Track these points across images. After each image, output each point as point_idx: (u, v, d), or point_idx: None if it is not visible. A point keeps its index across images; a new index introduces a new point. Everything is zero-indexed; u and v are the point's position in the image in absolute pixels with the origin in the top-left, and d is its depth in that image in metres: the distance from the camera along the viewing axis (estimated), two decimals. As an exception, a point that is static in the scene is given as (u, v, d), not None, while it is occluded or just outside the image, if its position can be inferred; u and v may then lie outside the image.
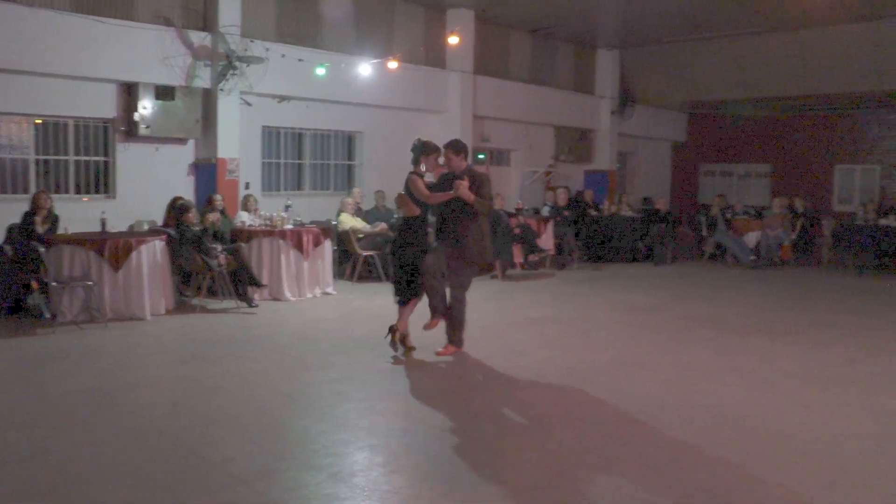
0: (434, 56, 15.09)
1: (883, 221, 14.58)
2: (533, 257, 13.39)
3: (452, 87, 15.34)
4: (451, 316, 7.25)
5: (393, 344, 7.32)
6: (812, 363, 7.31)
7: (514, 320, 9.04)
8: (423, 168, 7.26)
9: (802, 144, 22.33)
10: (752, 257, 14.80)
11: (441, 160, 7.26)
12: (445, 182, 7.13)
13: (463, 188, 6.86)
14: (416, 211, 7.14)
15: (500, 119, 16.75)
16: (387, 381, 6.48)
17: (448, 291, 7.26)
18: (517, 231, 12.80)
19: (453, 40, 13.47)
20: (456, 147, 7.15)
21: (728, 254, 15.34)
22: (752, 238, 15.14)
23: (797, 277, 13.60)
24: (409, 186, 7.12)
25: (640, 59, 19.87)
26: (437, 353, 7.26)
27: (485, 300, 10.37)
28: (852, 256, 14.62)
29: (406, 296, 7.25)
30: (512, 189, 17.40)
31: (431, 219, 7.37)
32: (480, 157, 16.92)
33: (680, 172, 24.35)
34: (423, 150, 7.21)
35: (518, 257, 12.89)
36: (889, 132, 21.06)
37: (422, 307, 7.28)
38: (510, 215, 13.15)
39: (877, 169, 21.26)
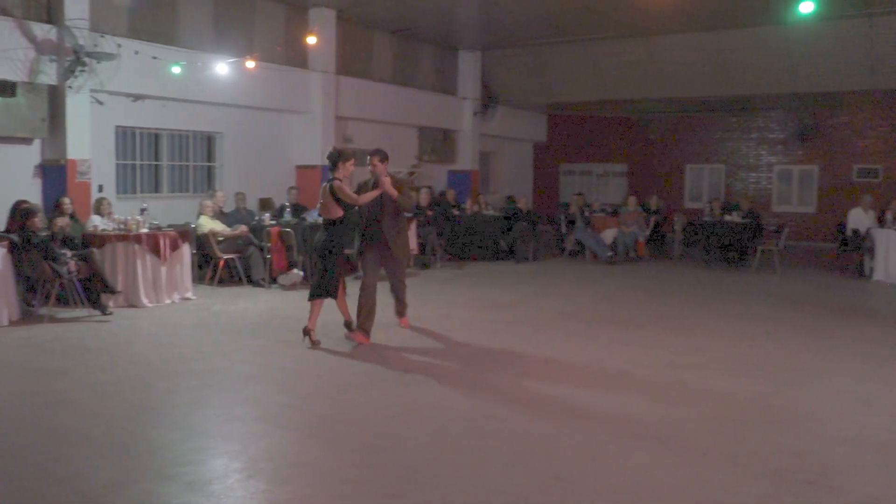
0: (296, 56, 14.93)
1: (727, 218, 15.46)
2: (397, 257, 13.42)
3: (314, 88, 15.21)
4: (398, 299, 8.48)
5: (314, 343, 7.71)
6: (662, 352, 7.70)
7: (375, 320, 9.04)
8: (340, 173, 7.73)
9: (656, 145, 23.44)
10: (610, 253, 15.38)
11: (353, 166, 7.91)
12: (369, 186, 7.92)
13: (388, 183, 7.69)
14: (339, 213, 7.63)
15: (363, 120, 16.73)
16: (246, 387, 6.37)
17: (391, 283, 8.39)
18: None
19: (311, 40, 13.38)
20: (381, 155, 7.97)
21: (587, 250, 15.88)
22: (609, 235, 15.74)
23: (651, 272, 14.25)
24: (335, 192, 7.55)
25: (501, 60, 20.30)
26: (402, 325, 8.53)
27: (350, 298, 10.33)
28: (701, 251, 15.44)
29: (323, 293, 7.68)
30: (376, 189, 17.39)
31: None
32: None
33: (541, 172, 25.05)
34: (339, 157, 7.75)
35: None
36: (732, 134, 22.41)
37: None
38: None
39: (722, 168, 22.56)
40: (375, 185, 7.77)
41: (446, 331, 8.65)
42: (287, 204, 13.38)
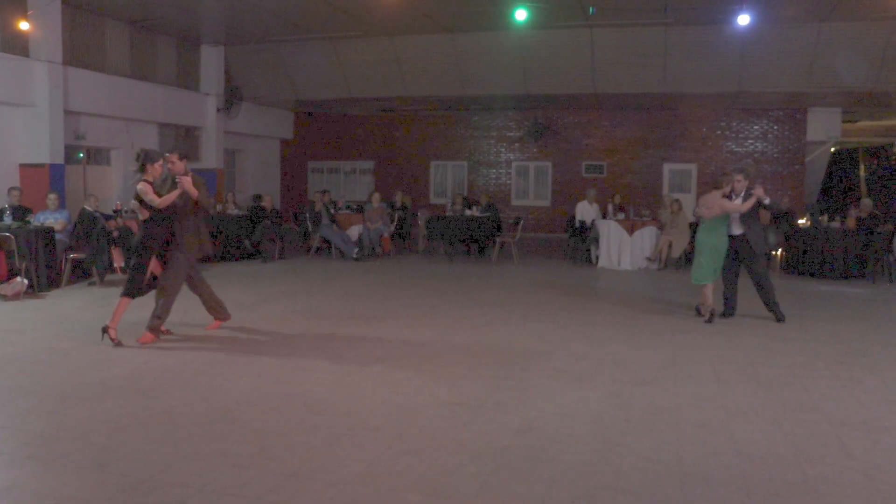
0: (14, 42, 13.73)
1: (468, 212, 16.21)
2: (135, 260, 12.76)
3: (38, 79, 14.12)
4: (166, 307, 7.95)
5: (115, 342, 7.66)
6: (400, 344, 7.93)
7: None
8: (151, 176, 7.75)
9: (402, 142, 24.05)
10: (356, 250, 15.57)
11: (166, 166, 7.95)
12: (171, 184, 7.88)
13: (188, 182, 7.62)
14: (146, 213, 7.68)
15: (96, 115, 15.76)
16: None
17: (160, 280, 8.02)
18: (115, 234, 12.10)
19: (24, 25, 12.40)
20: (180, 152, 7.95)
21: (333, 247, 15.97)
22: (354, 231, 15.95)
23: (396, 266, 14.61)
24: (139, 194, 7.61)
25: (245, 56, 19.90)
26: (139, 341, 7.81)
27: (82, 308, 9.72)
28: (444, 245, 16.07)
29: (130, 291, 7.71)
30: (112, 189, 16.47)
31: None
32: (80, 156, 15.78)
33: (289, 170, 24.88)
34: (147, 158, 7.75)
35: (118, 261, 12.21)
36: (473, 132, 23.49)
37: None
38: (107, 217, 12.38)
39: (464, 165, 23.59)
40: (174, 183, 7.75)
41: (181, 335, 8.35)
42: (7, 206, 12.25)
